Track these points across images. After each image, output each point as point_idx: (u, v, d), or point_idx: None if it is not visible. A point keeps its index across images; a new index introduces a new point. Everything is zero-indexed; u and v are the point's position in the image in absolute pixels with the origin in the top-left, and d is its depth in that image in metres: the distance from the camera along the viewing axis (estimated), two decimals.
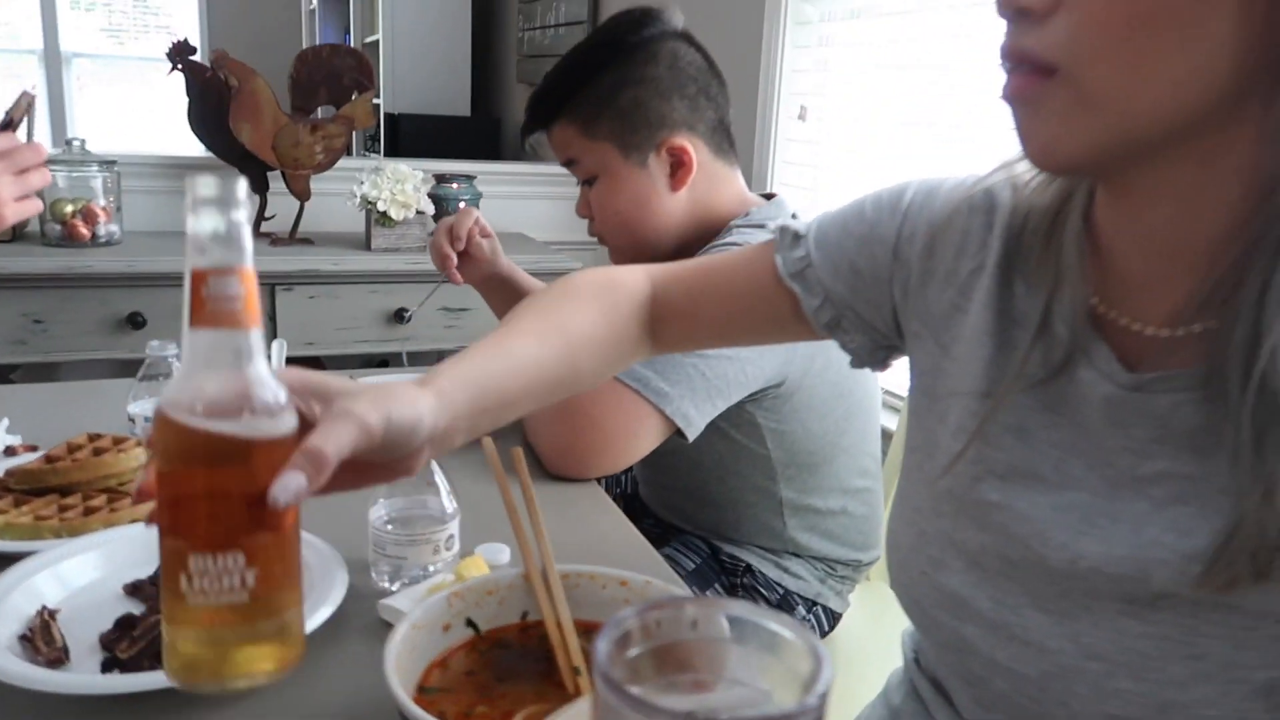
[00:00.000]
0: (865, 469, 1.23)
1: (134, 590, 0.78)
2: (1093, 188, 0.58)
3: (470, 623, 0.68)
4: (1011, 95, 0.50)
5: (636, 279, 0.80)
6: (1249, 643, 0.51)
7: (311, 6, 5.32)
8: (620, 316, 0.77)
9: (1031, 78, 0.48)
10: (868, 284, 0.71)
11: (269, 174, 2.33)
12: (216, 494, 0.46)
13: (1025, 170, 0.63)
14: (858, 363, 0.77)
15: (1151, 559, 0.53)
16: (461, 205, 1.32)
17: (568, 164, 1.23)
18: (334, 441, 0.49)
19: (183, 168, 2.46)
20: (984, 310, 0.63)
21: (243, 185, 0.46)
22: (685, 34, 1.20)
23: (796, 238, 0.75)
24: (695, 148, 1.17)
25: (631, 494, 1.44)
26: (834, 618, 1.26)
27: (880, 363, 0.76)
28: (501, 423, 0.67)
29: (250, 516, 0.46)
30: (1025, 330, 0.60)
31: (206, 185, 0.45)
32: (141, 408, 1.06)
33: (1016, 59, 0.49)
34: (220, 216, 0.45)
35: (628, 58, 1.16)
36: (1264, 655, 0.51)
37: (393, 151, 3.47)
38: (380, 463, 0.56)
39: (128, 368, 1.94)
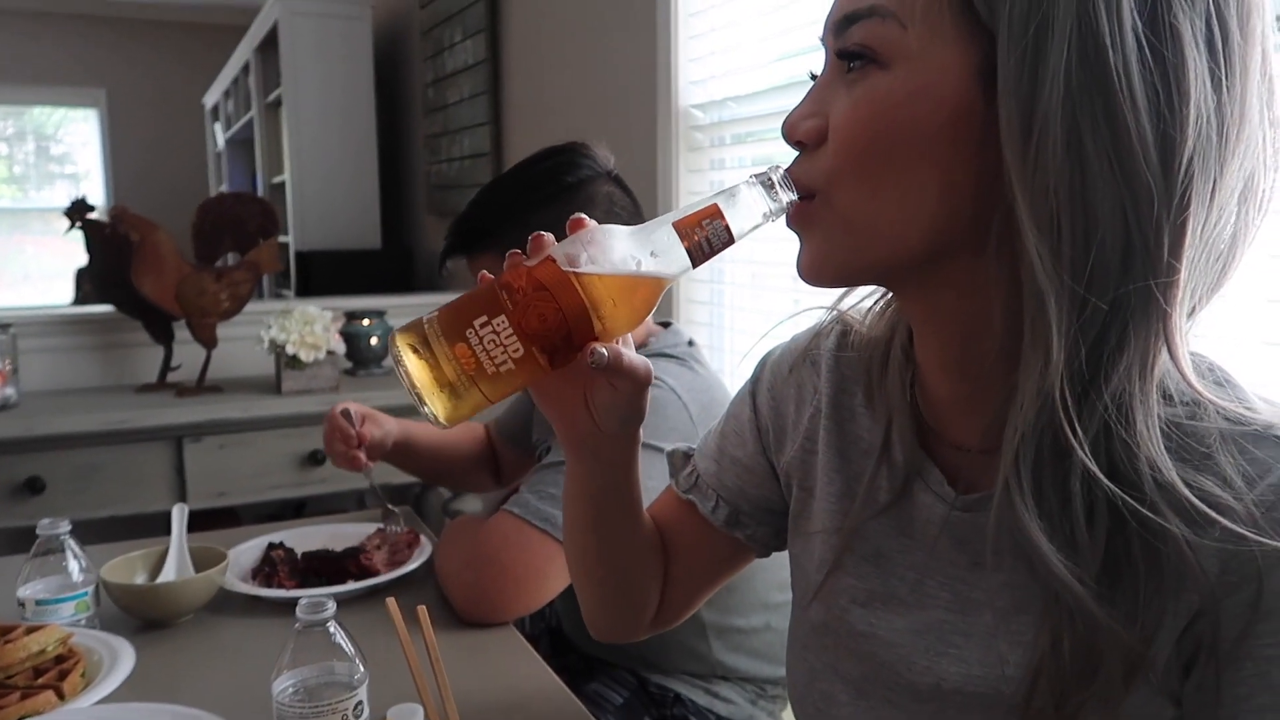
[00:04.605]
0: (784, 582, 1.23)
1: None
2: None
3: None
4: (790, 220, 0.57)
5: None
6: None
7: (218, 150, 5.36)
8: None
9: (803, 204, 0.55)
10: (751, 468, 0.76)
11: (174, 324, 2.31)
12: (571, 320, 0.55)
13: (857, 312, 0.68)
14: (763, 552, 0.80)
15: (1002, 675, 0.55)
16: (342, 408, 1.37)
17: None
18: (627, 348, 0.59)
19: (80, 323, 2.41)
20: (827, 450, 0.68)
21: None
22: (615, 176, 1.21)
23: (685, 457, 0.82)
24: None
25: (556, 626, 1.42)
26: None
27: (785, 546, 0.78)
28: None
29: (565, 343, 0.56)
30: (870, 458, 0.64)
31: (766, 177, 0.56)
32: (32, 590, 1.01)
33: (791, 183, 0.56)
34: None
35: (566, 199, 1.16)
36: None
37: (305, 288, 3.44)
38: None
39: (24, 537, 1.85)
